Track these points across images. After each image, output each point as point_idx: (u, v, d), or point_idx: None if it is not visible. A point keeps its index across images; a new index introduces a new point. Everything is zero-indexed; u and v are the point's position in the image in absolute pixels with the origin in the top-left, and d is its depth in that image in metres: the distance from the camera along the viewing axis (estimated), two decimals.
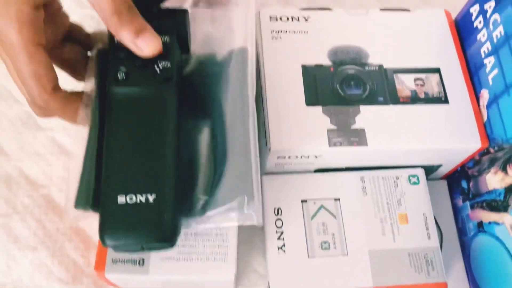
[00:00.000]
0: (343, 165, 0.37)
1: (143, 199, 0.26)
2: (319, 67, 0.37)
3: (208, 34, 0.35)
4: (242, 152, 0.29)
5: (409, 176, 0.38)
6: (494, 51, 0.35)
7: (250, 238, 0.39)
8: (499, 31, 0.35)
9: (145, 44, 0.28)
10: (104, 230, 0.26)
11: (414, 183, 0.38)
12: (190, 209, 0.29)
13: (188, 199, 0.29)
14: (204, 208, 0.29)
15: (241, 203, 0.28)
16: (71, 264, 0.37)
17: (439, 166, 0.39)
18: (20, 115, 0.42)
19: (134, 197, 0.26)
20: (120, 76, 0.29)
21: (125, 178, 0.27)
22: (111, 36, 0.30)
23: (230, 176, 0.29)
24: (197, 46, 0.35)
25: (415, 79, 0.37)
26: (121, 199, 0.26)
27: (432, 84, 0.37)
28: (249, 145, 0.30)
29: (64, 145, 0.41)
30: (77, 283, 0.37)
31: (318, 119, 0.35)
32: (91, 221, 0.30)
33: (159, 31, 0.29)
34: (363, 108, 0.35)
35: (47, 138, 0.42)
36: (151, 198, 0.26)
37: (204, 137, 0.31)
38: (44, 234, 0.38)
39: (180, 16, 0.31)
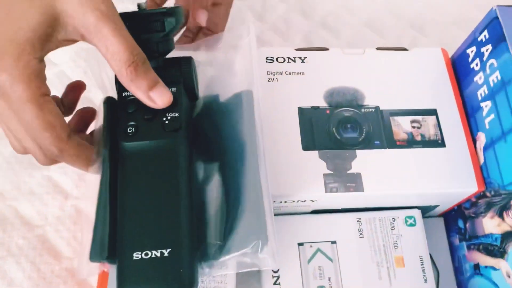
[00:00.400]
0: (340, 207, 0.37)
1: (158, 254, 0.26)
2: (315, 109, 0.37)
3: (211, 77, 0.35)
4: (254, 195, 0.29)
5: (405, 218, 0.38)
6: (491, 96, 0.35)
7: (247, 278, 0.39)
8: (495, 76, 0.35)
9: (158, 96, 0.29)
10: (122, 286, 0.26)
11: (411, 225, 0.38)
12: (203, 255, 0.29)
13: (201, 245, 0.29)
14: (219, 254, 0.29)
15: (256, 247, 0.28)
16: None
17: (435, 206, 0.39)
18: (15, 154, 0.42)
19: (149, 253, 0.27)
20: (130, 130, 0.29)
21: (140, 234, 0.27)
22: (119, 89, 0.30)
23: (243, 220, 0.29)
24: (201, 89, 0.35)
25: (412, 121, 0.37)
26: (136, 256, 0.27)
27: (428, 126, 0.37)
28: (260, 187, 0.30)
29: (60, 184, 0.41)
30: None
31: (315, 163, 0.35)
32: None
33: (166, 82, 0.30)
34: (359, 152, 0.35)
35: (43, 177, 0.41)
36: (166, 252, 0.27)
37: (215, 181, 0.31)
38: (39, 277, 0.38)
39: (185, 65, 0.31)
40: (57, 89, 0.45)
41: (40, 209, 0.40)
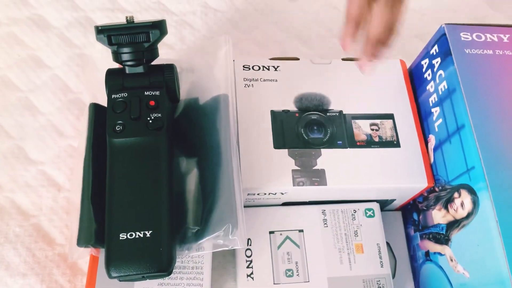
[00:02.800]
0: (306, 199, 0.42)
1: (141, 235, 0.31)
2: (286, 112, 0.41)
3: (192, 82, 0.40)
4: (227, 186, 0.34)
5: (365, 210, 0.43)
6: (439, 102, 0.40)
7: (223, 264, 0.43)
8: (443, 85, 0.40)
9: None
10: (109, 264, 0.31)
11: (370, 216, 0.43)
12: (183, 239, 0.34)
13: (181, 230, 0.34)
14: (196, 237, 0.34)
15: (227, 230, 0.33)
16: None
17: (392, 200, 0.44)
18: (12, 149, 0.46)
19: (134, 234, 0.31)
20: (118, 128, 0.33)
21: (126, 218, 0.32)
22: (109, 92, 0.34)
23: (217, 208, 0.34)
24: (183, 92, 0.39)
25: (371, 124, 0.42)
26: (122, 236, 0.31)
27: (386, 129, 0.42)
28: (232, 179, 0.35)
29: (53, 178, 0.45)
30: None
31: (284, 160, 0.39)
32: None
33: (150, 86, 0.34)
34: (324, 151, 0.40)
35: (38, 171, 0.45)
36: (148, 233, 0.31)
37: (193, 174, 0.36)
38: (34, 261, 0.41)
39: (168, 71, 0.36)
40: (50, 91, 0.49)
41: (35, 200, 0.44)
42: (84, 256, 0.35)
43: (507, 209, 0.34)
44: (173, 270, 0.34)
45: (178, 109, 0.38)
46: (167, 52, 0.52)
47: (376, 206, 0.43)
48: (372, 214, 0.43)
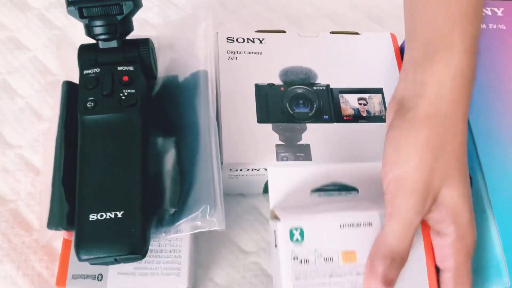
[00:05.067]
0: None
1: (112, 215, 0.29)
2: (271, 86, 0.40)
3: (171, 59, 0.38)
4: (205, 166, 0.33)
5: None
6: None
7: (209, 250, 0.42)
8: None
9: None
10: (79, 246, 0.29)
11: None
12: (160, 221, 0.32)
13: (157, 212, 0.32)
14: (173, 219, 0.32)
15: (204, 211, 0.31)
16: (36, 276, 0.39)
17: None
18: None
19: (104, 215, 0.29)
20: (90, 105, 0.32)
21: (97, 198, 0.30)
22: (81, 68, 0.33)
23: (194, 188, 0.32)
24: (162, 70, 0.38)
25: (359, 99, 0.40)
26: (92, 217, 0.29)
27: (374, 104, 0.40)
28: (212, 160, 0.33)
29: (32, 162, 0.43)
30: None
31: (268, 135, 0.37)
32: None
33: (125, 61, 0.32)
34: (309, 126, 0.38)
35: (16, 155, 0.43)
36: (119, 214, 0.29)
37: (170, 154, 0.34)
38: (10, 247, 0.40)
39: (143, 46, 0.34)
40: (29, 73, 0.47)
41: (13, 185, 0.42)
42: (55, 239, 0.34)
43: (500, 189, 0.32)
44: (150, 254, 0.33)
45: (156, 87, 0.36)
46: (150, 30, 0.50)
47: None
48: None
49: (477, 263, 0.33)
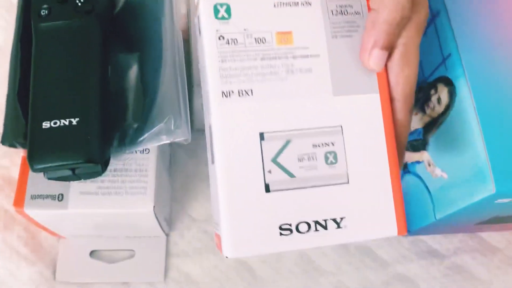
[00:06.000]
0: None
1: (66, 122, 0.27)
2: None
3: None
4: (168, 78, 0.31)
5: None
6: None
7: (186, 186, 0.40)
8: None
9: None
10: (31, 155, 0.27)
11: None
12: (123, 137, 0.31)
13: (120, 127, 0.31)
14: (137, 134, 0.30)
15: (169, 122, 0.30)
16: (2, 212, 0.37)
17: None
18: None
19: (58, 122, 0.27)
20: (43, 13, 0.30)
21: (50, 105, 0.28)
22: None
23: (158, 102, 0.31)
24: None
25: None
26: (45, 125, 0.27)
27: None
28: (175, 71, 0.32)
29: None
30: (8, 230, 0.37)
31: None
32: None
33: None
34: None
35: None
36: (74, 121, 0.27)
37: (135, 69, 0.32)
38: None
39: None
40: None
41: None
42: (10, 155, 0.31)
43: (484, 94, 0.30)
44: (114, 173, 0.31)
45: (119, 3, 0.35)
46: None
47: None
48: None
49: (459, 170, 0.31)
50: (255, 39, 0.26)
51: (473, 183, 0.30)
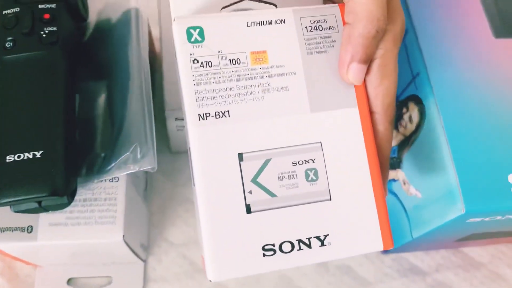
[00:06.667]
0: None
1: (30, 156, 0.27)
2: None
3: (107, 3, 0.36)
4: (135, 107, 0.31)
5: None
6: None
7: (163, 209, 0.40)
8: None
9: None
10: None
11: None
12: (91, 166, 0.30)
13: (88, 157, 0.31)
14: (105, 163, 0.30)
15: (135, 151, 0.30)
16: None
17: None
18: None
19: (22, 155, 0.27)
20: (8, 45, 0.30)
21: (14, 139, 0.28)
22: (1, 8, 0.31)
23: (125, 130, 0.31)
24: (95, 13, 0.36)
25: None
26: (9, 159, 0.27)
27: None
28: (142, 99, 0.31)
29: None
30: None
31: None
32: None
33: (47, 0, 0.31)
34: None
35: None
36: (38, 154, 0.27)
37: (103, 97, 0.32)
38: None
39: None
40: None
41: None
42: None
43: (453, 113, 0.30)
44: (83, 203, 0.31)
45: (88, 31, 0.35)
46: None
47: None
48: None
49: (431, 189, 0.31)
50: (230, 60, 0.26)
51: (444, 203, 0.29)
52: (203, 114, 0.25)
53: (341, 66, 0.26)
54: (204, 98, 0.25)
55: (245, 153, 0.25)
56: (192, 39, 0.25)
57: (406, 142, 0.34)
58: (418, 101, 0.32)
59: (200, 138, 0.24)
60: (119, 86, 0.32)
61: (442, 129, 0.30)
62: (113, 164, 0.30)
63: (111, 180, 0.32)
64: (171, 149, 0.41)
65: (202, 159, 0.24)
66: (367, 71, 0.26)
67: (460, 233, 0.34)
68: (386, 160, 0.27)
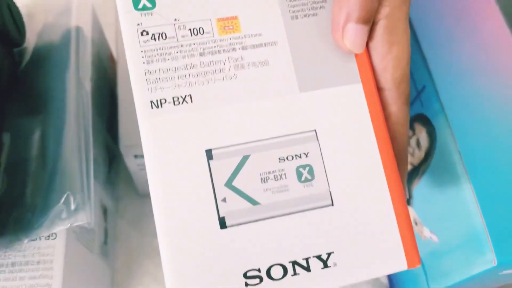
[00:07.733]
0: None
1: None
2: None
3: (46, 23, 0.31)
4: (70, 149, 0.26)
5: None
6: None
7: (128, 264, 0.34)
8: None
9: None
10: None
11: None
12: (18, 223, 0.24)
13: (16, 210, 0.25)
14: (36, 217, 0.25)
15: (67, 201, 0.24)
16: None
17: None
18: None
19: None
20: None
21: None
22: None
23: (57, 177, 0.25)
24: (34, 36, 0.31)
25: None
26: None
27: None
28: (79, 138, 0.26)
29: None
30: None
31: None
32: None
33: None
34: None
35: None
36: None
37: (36, 136, 0.27)
38: None
39: None
40: None
41: None
42: None
43: (469, 134, 0.24)
44: (12, 268, 0.25)
45: (25, 57, 0.29)
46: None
47: None
48: None
49: (451, 232, 0.24)
50: (190, 30, 0.20)
51: (469, 251, 0.23)
52: (156, 101, 0.19)
53: (334, 29, 0.19)
54: (158, 79, 0.19)
55: (215, 149, 0.18)
56: (140, 6, 0.20)
57: (415, 173, 0.28)
58: (426, 121, 0.26)
59: (153, 132, 0.18)
60: (54, 121, 0.26)
61: (459, 154, 0.23)
62: (45, 218, 0.24)
63: (47, 238, 0.25)
64: (138, 191, 0.35)
65: (158, 158, 0.18)
66: (370, 36, 0.20)
67: (492, 285, 0.27)
68: (403, 151, 0.20)
